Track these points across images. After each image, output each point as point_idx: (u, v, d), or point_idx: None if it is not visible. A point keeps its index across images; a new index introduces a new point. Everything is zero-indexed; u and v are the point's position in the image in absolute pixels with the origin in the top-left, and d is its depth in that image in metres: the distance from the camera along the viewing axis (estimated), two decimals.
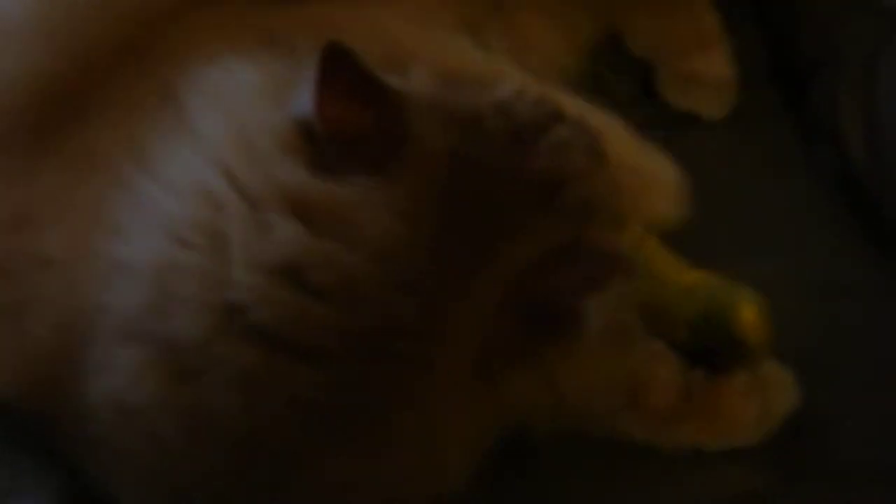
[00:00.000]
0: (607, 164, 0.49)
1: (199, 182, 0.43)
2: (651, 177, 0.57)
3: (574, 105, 0.54)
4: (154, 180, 0.44)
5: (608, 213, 0.49)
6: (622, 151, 0.55)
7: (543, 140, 0.47)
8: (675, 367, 0.56)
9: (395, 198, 0.44)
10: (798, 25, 0.65)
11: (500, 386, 0.48)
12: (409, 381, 0.43)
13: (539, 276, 0.46)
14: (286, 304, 0.41)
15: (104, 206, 0.45)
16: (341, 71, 0.45)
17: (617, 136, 0.56)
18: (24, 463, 0.52)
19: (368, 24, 0.55)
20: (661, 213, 0.57)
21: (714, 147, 0.63)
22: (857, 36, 0.60)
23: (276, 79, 0.47)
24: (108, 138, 0.48)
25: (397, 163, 0.45)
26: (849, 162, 0.59)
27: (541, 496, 0.53)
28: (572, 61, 0.64)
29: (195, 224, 0.42)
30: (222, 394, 0.41)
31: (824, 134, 0.61)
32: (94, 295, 0.44)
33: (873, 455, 0.57)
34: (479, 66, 0.56)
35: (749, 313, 0.55)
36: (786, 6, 0.67)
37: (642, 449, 0.55)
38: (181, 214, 0.43)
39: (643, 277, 0.55)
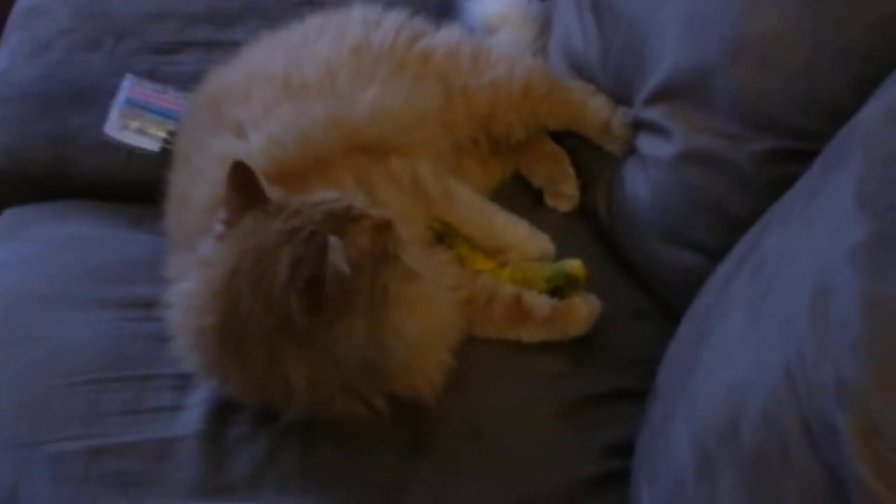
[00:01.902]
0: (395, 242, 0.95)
1: None
2: (521, 235, 1.19)
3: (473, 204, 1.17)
4: None
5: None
6: (500, 221, 1.17)
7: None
8: (543, 299, 1.10)
9: (221, 256, 0.93)
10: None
11: (311, 337, 0.89)
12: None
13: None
14: None
15: None
16: (243, 175, 0.94)
17: (505, 219, 1.18)
18: None
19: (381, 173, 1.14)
20: (527, 250, 1.18)
21: (561, 220, 1.28)
22: (606, 161, 1.26)
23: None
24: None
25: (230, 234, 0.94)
26: (600, 224, 1.24)
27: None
28: (491, 184, 1.30)
29: None
30: None
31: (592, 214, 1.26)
32: None
33: (642, 354, 1.10)
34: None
35: (576, 264, 1.11)
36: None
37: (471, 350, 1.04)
38: None
39: (515, 268, 1.15)
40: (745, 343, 0.76)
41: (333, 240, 0.89)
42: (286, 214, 0.95)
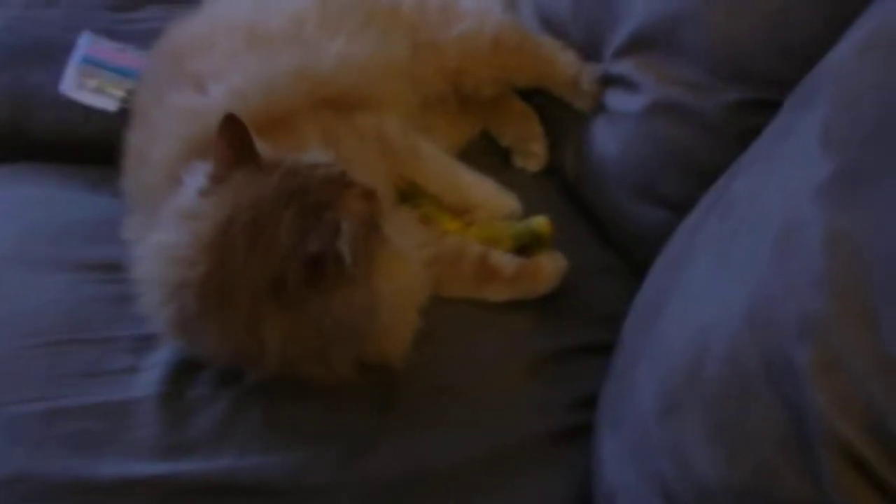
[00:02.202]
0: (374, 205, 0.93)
1: None
2: (488, 194, 1.17)
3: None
4: None
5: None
6: (467, 179, 1.16)
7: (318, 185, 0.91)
8: (510, 257, 1.08)
9: (209, 210, 0.89)
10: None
11: (301, 305, 0.87)
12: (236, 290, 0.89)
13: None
14: None
15: None
16: (234, 129, 0.92)
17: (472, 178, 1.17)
18: None
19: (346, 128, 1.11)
20: (493, 209, 1.17)
21: (530, 179, 1.27)
22: (574, 118, 1.25)
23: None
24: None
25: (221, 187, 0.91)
26: (568, 183, 1.22)
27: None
28: (459, 143, 1.29)
29: None
30: None
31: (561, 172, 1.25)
32: None
33: (610, 310, 1.08)
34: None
35: (542, 221, 1.10)
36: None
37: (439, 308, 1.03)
38: None
39: (481, 226, 1.14)
40: (711, 286, 0.75)
41: (346, 225, 0.88)
42: (282, 172, 0.92)
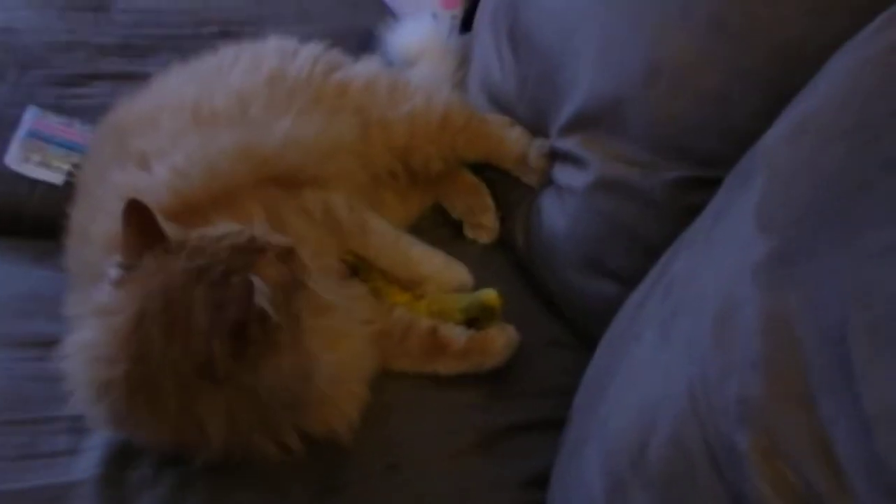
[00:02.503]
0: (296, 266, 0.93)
1: None
2: (437, 266, 1.18)
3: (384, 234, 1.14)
4: None
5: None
6: (416, 253, 1.16)
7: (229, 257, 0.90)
8: (460, 330, 1.08)
9: (122, 302, 0.89)
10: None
11: (233, 380, 0.86)
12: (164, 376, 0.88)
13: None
14: None
15: None
16: (139, 214, 0.91)
17: (421, 251, 1.17)
18: None
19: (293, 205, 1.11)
20: (444, 281, 1.17)
21: (480, 251, 1.28)
22: (523, 192, 1.27)
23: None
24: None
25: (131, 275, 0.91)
26: (519, 255, 1.24)
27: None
28: (410, 217, 1.30)
29: None
30: None
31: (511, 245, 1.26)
32: None
33: (560, 384, 1.09)
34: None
35: (492, 295, 1.10)
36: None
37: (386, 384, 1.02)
38: None
39: (431, 300, 1.14)
40: (654, 364, 0.75)
41: (258, 281, 0.87)
42: (188, 252, 0.91)
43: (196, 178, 1.06)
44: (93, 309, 0.94)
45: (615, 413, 0.78)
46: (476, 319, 1.12)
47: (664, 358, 0.74)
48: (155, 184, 1.05)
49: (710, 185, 1.01)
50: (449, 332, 1.09)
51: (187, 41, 1.45)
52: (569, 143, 1.19)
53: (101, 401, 0.92)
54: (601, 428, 0.79)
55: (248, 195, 1.08)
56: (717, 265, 0.72)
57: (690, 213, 1.00)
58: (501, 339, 1.09)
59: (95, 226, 1.05)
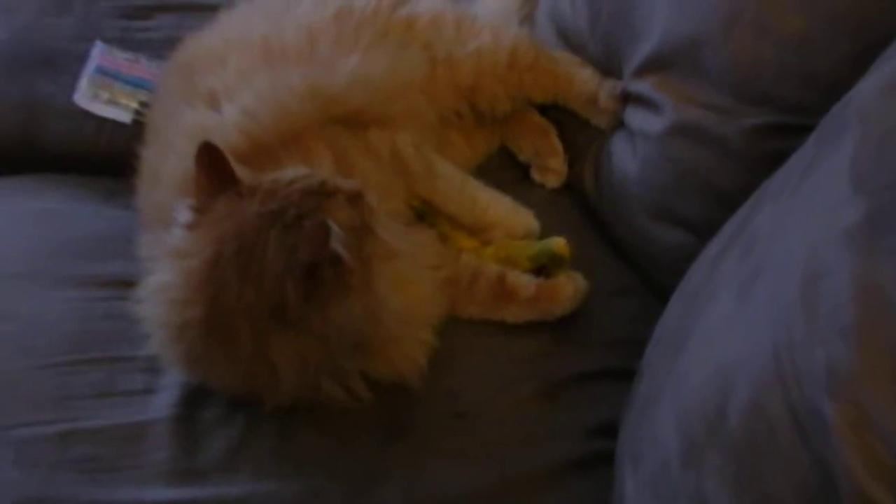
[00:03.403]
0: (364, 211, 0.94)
1: None
2: (505, 212, 1.17)
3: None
4: None
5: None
6: (483, 198, 1.15)
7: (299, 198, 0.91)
8: (528, 278, 1.08)
9: (196, 245, 0.91)
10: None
11: (304, 322, 0.88)
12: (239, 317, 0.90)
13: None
14: None
15: None
16: (211, 157, 0.92)
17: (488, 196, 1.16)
18: None
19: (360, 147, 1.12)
20: (511, 228, 1.17)
21: (548, 196, 1.27)
22: (593, 135, 1.25)
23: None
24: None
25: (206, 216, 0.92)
26: (587, 200, 1.22)
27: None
28: (476, 159, 1.29)
29: None
30: None
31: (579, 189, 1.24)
32: None
33: (627, 333, 1.10)
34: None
35: (561, 242, 1.09)
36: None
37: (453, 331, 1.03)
38: None
39: (498, 246, 1.14)
40: (733, 325, 0.74)
41: (333, 224, 0.88)
42: (261, 196, 0.92)
43: (265, 119, 1.06)
44: (167, 251, 0.95)
45: (691, 373, 0.78)
46: (544, 267, 1.11)
47: (744, 319, 0.73)
48: (224, 124, 1.05)
49: (791, 132, 0.99)
50: (517, 280, 1.09)
51: None
52: (642, 86, 1.17)
53: (176, 343, 0.94)
54: (676, 387, 0.79)
55: (316, 136, 1.08)
56: (805, 225, 0.71)
57: (769, 162, 0.98)
58: (570, 287, 1.09)
59: (166, 167, 1.06)
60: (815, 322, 0.63)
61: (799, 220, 0.72)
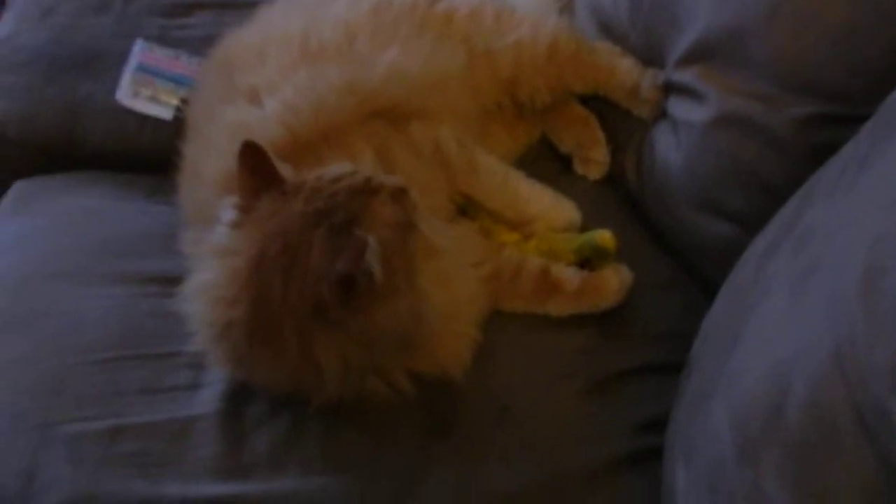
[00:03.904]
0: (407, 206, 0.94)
1: None
2: (546, 205, 1.16)
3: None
4: None
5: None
6: (525, 191, 1.15)
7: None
8: (572, 271, 1.08)
9: (241, 244, 0.91)
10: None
11: (344, 324, 0.88)
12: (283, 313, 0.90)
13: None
14: None
15: None
16: (254, 156, 0.93)
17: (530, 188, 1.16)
18: None
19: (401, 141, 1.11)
20: (553, 221, 1.16)
21: (590, 187, 1.26)
22: (635, 126, 1.23)
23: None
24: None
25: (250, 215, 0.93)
26: (630, 192, 1.21)
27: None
28: (517, 150, 1.28)
29: None
30: None
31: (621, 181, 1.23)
32: None
33: (672, 327, 1.09)
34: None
35: (606, 235, 1.08)
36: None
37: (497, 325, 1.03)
38: None
39: (541, 239, 1.14)
40: (788, 322, 0.73)
41: (372, 240, 0.88)
42: (305, 194, 0.92)
43: (306, 114, 1.06)
44: (211, 250, 0.96)
45: (745, 370, 0.77)
46: (588, 260, 1.10)
47: (800, 315, 0.72)
48: (265, 120, 1.05)
49: (838, 122, 0.98)
50: (561, 273, 1.08)
51: None
52: (686, 76, 1.15)
53: (221, 341, 0.94)
54: (729, 384, 0.78)
55: (357, 131, 1.08)
56: (866, 220, 0.69)
57: (817, 153, 0.96)
58: (615, 280, 1.08)
59: (207, 164, 1.06)
60: (878, 319, 0.62)
61: (859, 215, 0.71)
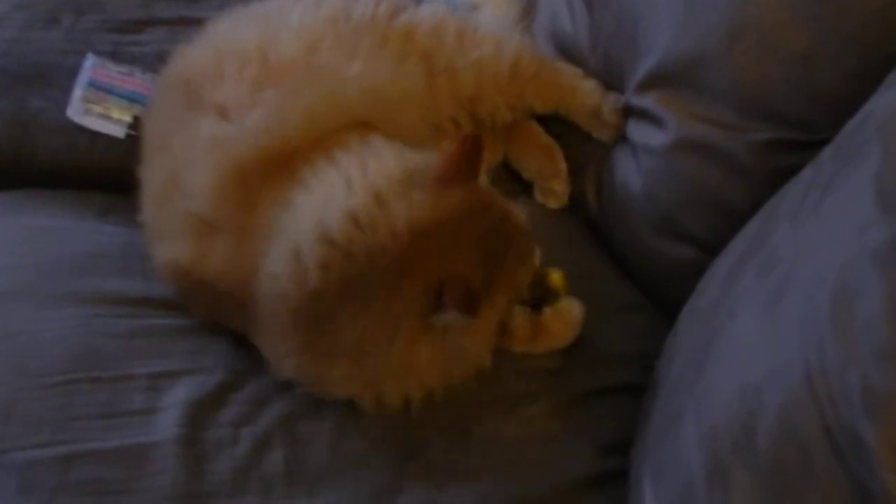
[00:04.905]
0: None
1: None
2: None
3: None
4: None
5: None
6: None
7: None
8: (522, 317, 1.09)
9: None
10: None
11: (438, 334, 0.94)
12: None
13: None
14: None
15: None
16: (473, 147, 0.98)
17: None
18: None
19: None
20: None
21: (550, 210, 1.27)
22: (595, 149, 1.26)
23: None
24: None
25: None
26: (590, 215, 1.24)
27: None
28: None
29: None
30: None
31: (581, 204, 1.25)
32: None
33: (634, 349, 1.11)
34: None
35: (556, 275, 1.09)
36: None
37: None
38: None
39: None
40: (758, 345, 0.75)
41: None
42: (481, 206, 0.98)
43: (294, 125, 1.06)
44: (400, 176, 0.99)
45: (714, 392, 0.78)
46: (540, 299, 1.10)
47: (769, 338, 0.74)
48: (247, 130, 1.04)
49: (800, 147, 1.01)
50: (512, 321, 1.08)
51: None
52: (646, 101, 1.18)
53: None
54: (699, 406, 0.80)
55: (336, 139, 1.07)
56: (832, 244, 0.71)
57: (779, 177, 0.99)
58: (561, 325, 1.09)
59: (195, 178, 1.04)
60: (849, 342, 0.64)
61: (826, 239, 0.73)
